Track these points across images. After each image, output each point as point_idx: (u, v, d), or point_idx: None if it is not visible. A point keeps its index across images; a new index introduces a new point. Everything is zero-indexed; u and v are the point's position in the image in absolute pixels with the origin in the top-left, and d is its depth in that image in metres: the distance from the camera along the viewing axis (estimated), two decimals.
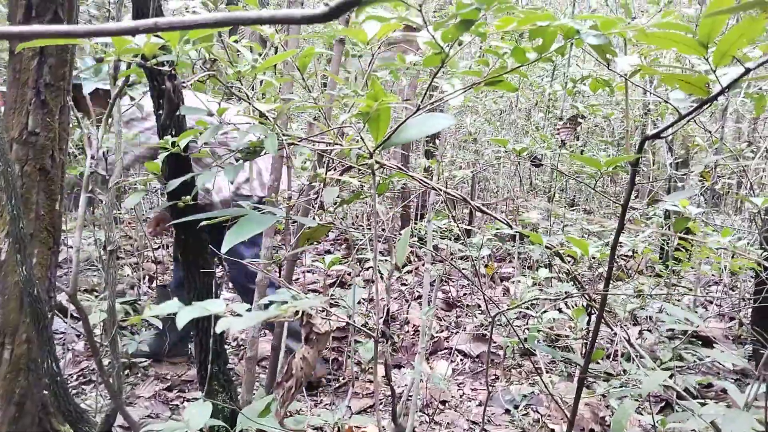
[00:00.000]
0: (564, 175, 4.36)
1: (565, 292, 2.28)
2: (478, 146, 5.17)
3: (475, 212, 4.94)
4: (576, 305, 2.74)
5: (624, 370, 2.41)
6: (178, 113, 1.25)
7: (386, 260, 3.96)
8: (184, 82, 1.21)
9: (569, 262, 1.87)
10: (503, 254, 5.38)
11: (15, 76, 1.57)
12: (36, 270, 1.47)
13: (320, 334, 0.90)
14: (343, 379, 3.10)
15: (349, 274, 4.44)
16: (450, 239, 4.55)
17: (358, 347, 3.23)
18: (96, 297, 3.23)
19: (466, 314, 4.05)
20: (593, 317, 2.72)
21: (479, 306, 4.19)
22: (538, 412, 2.93)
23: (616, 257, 1.39)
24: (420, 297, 4.14)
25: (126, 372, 2.76)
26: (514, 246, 3.79)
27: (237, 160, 1.04)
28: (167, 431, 0.99)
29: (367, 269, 4.71)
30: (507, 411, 2.86)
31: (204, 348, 1.50)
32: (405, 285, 4.51)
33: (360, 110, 0.77)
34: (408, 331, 3.75)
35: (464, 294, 4.37)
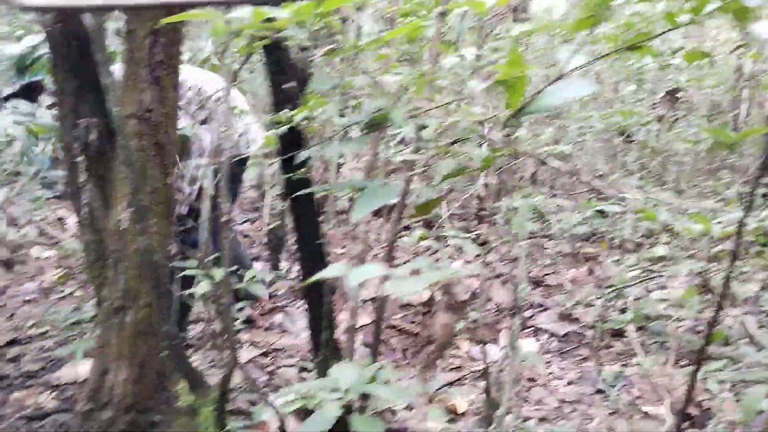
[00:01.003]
0: (659, 152, 4.16)
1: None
2: (562, 121, 5.01)
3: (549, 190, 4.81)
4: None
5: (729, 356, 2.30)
6: (291, 87, 1.28)
7: (468, 237, 3.93)
8: (311, 57, 1.24)
9: (678, 239, 1.78)
10: (587, 234, 5.23)
11: (129, 54, 1.65)
12: (154, 239, 1.55)
13: (459, 302, 0.91)
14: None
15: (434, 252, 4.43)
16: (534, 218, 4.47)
17: None
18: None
19: (550, 293, 3.97)
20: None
21: (563, 285, 4.09)
22: (631, 394, 2.85)
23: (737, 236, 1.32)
24: (500, 275, 4.09)
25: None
26: (600, 225, 3.68)
27: (362, 132, 1.06)
28: (315, 389, 1.02)
29: (447, 246, 4.70)
30: (598, 391, 2.80)
31: (316, 316, 1.55)
32: (487, 264, 4.46)
33: (498, 78, 0.76)
34: (490, 309, 3.73)
35: (548, 273, 4.28)
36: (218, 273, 1.99)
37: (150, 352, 1.58)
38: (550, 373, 3.00)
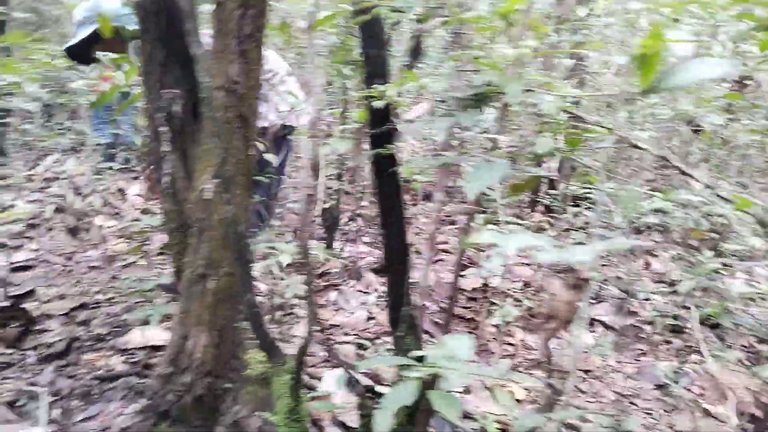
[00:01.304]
0: (724, 143, 4.01)
1: None
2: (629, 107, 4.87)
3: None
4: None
5: None
6: (381, 60, 1.28)
7: (522, 225, 3.89)
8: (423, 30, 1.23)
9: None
10: (639, 226, 5.10)
11: (219, 26, 1.66)
12: (238, 210, 1.57)
13: (582, 279, 0.90)
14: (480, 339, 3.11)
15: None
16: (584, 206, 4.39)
17: (495, 309, 3.21)
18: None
19: (605, 285, 3.90)
20: None
21: (618, 278, 4.01)
22: (692, 391, 2.79)
23: None
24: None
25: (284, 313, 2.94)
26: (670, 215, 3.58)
27: (467, 107, 1.05)
28: (404, 362, 1.03)
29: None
30: (658, 387, 2.75)
31: (396, 292, 1.56)
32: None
33: (635, 52, 0.73)
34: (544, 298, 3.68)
35: (604, 264, 4.20)
36: (289, 247, 2.02)
37: (228, 320, 1.62)
38: (608, 365, 2.96)
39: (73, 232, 4.24)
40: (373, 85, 1.28)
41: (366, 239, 4.15)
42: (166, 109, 1.77)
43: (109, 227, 4.42)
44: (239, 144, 1.63)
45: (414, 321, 1.53)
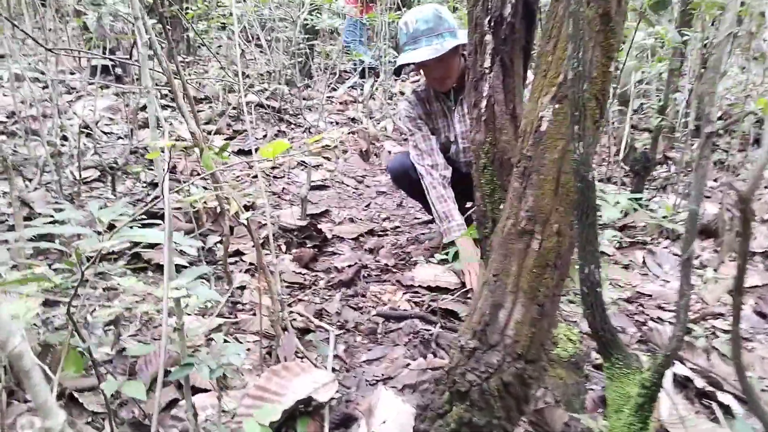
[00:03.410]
0: None
1: None
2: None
3: None
4: None
5: None
6: None
7: None
8: None
9: None
10: None
11: None
12: (582, 148, 1.13)
13: None
14: None
15: None
16: None
17: None
18: None
19: None
20: None
21: None
22: None
23: None
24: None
25: None
26: None
27: None
28: None
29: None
30: None
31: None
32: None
33: None
34: None
35: None
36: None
37: (553, 293, 1.23)
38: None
39: (364, 155, 4.30)
40: None
41: (680, 189, 3.36)
42: (495, 10, 1.38)
43: (396, 154, 4.38)
44: (597, 54, 1.16)
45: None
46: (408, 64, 2.48)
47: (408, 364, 1.87)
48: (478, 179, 1.56)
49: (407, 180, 2.69)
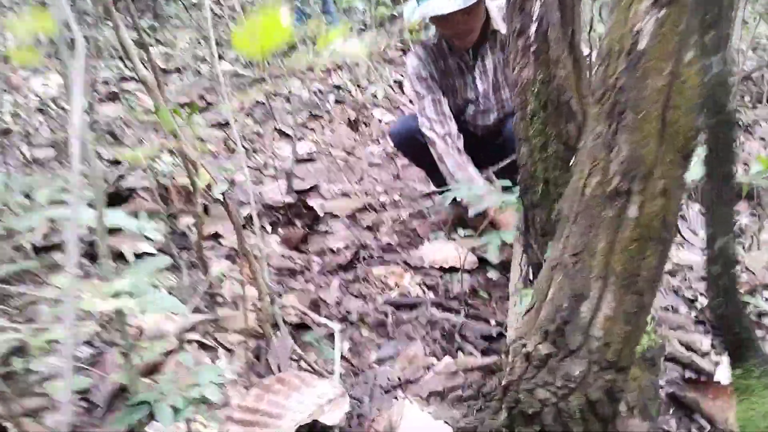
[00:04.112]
0: None
1: None
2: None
3: None
4: None
5: None
6: None
7: None
8: None
9: None
10: None
11: None
12: (692, 81, 0.78)
13: None
14: None
15: None
16: None
17: None
18: None
19: None
20: None
21: None
22: None
23: None
24: None
25: None
26: None
27: None
28: None
29: None
30: None
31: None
32: None
33: None
34: None
35: None
36: None
37: (654, 275, 0.89)
38: None
39: (352, 125, 3.92)
40: None
41: None
42: None
43: (387, 123, 4.01)
44: None
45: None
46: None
47: (431, 365, 1.53)
48: (524, 130, 1.20)
49: (414, 145, 2.32)
